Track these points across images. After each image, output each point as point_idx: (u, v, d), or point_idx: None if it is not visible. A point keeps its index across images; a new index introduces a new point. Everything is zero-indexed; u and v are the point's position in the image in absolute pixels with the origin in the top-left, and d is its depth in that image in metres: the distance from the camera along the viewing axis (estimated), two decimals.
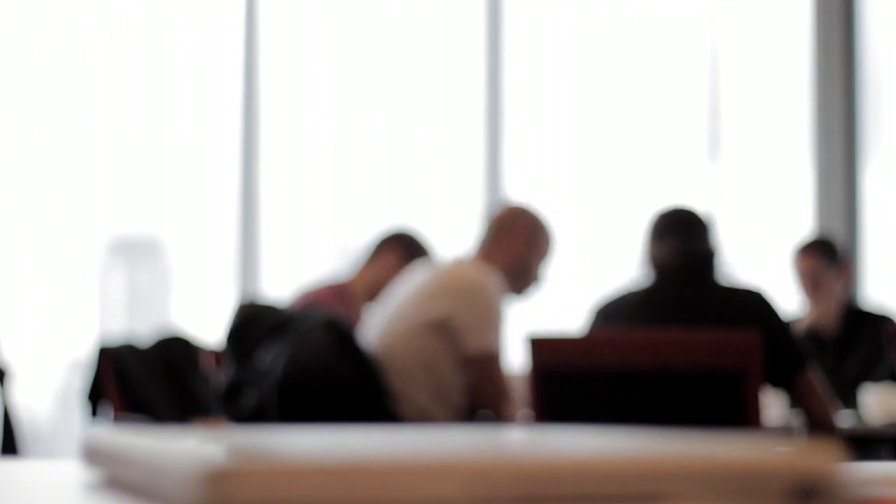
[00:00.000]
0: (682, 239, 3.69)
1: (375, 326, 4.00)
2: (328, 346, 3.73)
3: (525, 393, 3.68)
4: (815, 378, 3.65)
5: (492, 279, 3.90)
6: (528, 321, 5.80)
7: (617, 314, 3.68)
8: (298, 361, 3.68)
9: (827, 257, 5.26)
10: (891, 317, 5.17)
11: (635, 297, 3.68)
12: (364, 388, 3.79)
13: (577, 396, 3.32)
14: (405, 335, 3.89)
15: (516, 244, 4.06)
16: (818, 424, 3.68)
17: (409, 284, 4.01)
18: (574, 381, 3.31)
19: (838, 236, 6.26)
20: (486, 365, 3.87)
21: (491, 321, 3.87)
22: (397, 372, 3.88)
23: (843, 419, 4.59)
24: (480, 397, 3.92)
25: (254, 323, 3.81)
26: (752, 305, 3.57)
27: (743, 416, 3.20)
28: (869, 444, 4.61)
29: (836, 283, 5.25)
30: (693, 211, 3.79)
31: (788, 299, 5.66)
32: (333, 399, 3.71)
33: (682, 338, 3.29)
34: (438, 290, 3.90)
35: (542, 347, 3.33)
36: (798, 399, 3.67)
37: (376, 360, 3.88)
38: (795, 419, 3.93)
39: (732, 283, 3.68)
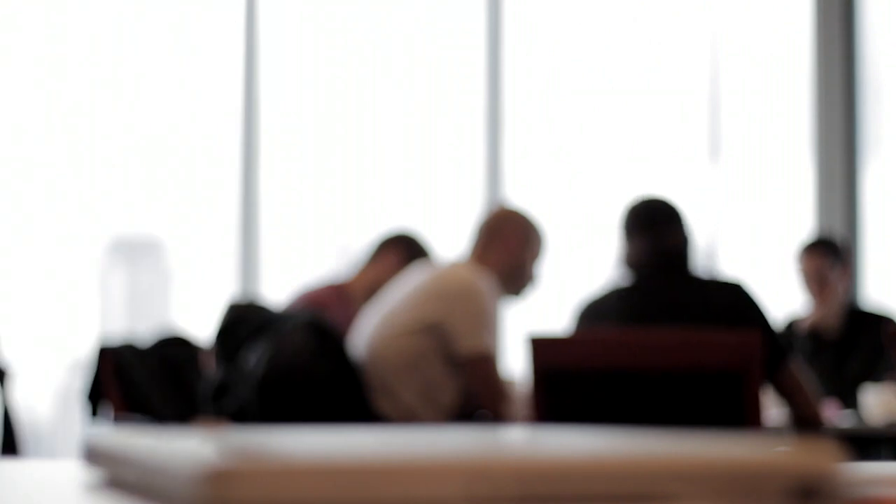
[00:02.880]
0: (649, 236, 3.69)
1: (368, 326, 4.01)
2: (308, 346, 3.74)
3: (525, 393, 3.69)
4: (799, 371, 3.63)
5: (486, 281, 3.91)
6: (531, 322, 5.80)
7: (599, 315, 3.69)
8: (279, 361, 3.70)
9: (831, 257, 5.27)
10: (891, 317, 5.17)
11: (614, 297, 3.68)
12: (343, 387, 3.80)
13: (577, 396, 3.32)
14: (396, 335, 3.90)
15: (509, 245, 4.07)
16: (804, 419, 3.66)
17: (403, 286, 4.02)
18: (574, 381, 3.31)
19: (838, 236, 6.26)
20: (481, 366, 3.87)
21: (485, 323, 3.87)
22: (385, 371, 3.89)
23: (843, 419, 4.59)
24: (478, 398, 3.93)
25: (241, 323, 3.82)
26: (733, 299, 3.56)
27: (743, 416, 3.20)
28: (869, 444, 4.61)
29: (840, 282, 5.25)
30: (658, 204, 3.77)
31: (790, 299, 5.66)
32: (313, 398, 3.72)
33: (683, 338, 3.29)
34: (432, 292, 3.90)
35: (542, 347, 3.33)
36: (782, 393, 3.65)
37: (358, 359, 3.90)
38: (781, 415, 3.92)
39: (712, 276, 3.68)
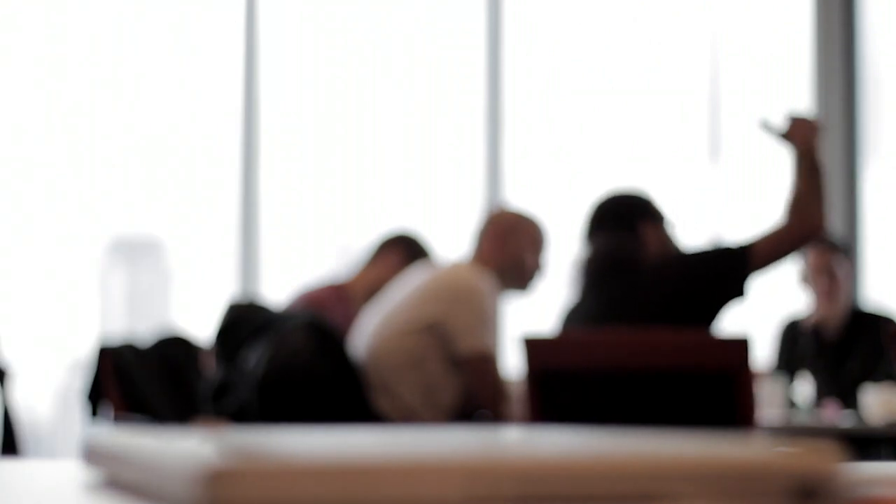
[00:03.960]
0: (593, 237, 3.74)
1: (369, 326, 4.01)
2: (308, 346, 3.74)
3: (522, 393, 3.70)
4: (762, 234, 3.66)
5: (486, 281, 3.91)
6: (530, 322, 5.80)
7: (574, 318, 3.73)
8: (278, 361, 3.70)
9: (840, 254, 5.27)
10: (891, 317, 5.17)
11: (581, 300, 3.74)
12: (343, 387, 3.81)
13: (571, 397, 3.32)
14: (396, 335, 3.90)
15: (508, 243, 4.08)
16: (797, 226, 3.68)
17: (404, 286, 4.02)
18: (568, 381, 3.32)
19: (838, 236, 6.26)
20: (481, 366, 3.88)
21: (484, 323, 3.88)
22: (385, 371, 3.89)
23: (843, 419, 4.59)
24: (478, 398, 3.93)
25: (241, 323, 3.82)
26: (679, 265, 3.61)
27: (737, 416, 3.20)
28: (869, 444, 4.61)
29: (846, 281, 5.26)
30: (605, 203, 3.81)
31: (790, 299, 5.66)
32: (313, 398, 3.73)
33: (676, 338, 3.30)
34: (432, 292, 3.91)
35: (536, 348, 3.33)
36: (780, 250, 3.66)
37: (358, 359, 3.90)
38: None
39: (659, 262, 3.69)
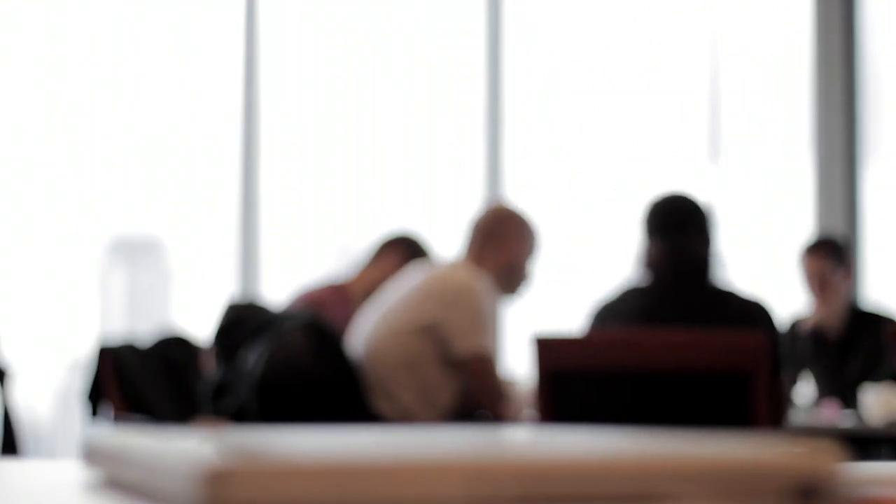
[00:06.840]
0: (673, 238, 3.68)
1: (366, 326, 4.01)
2: (307, 346, 3.74)
3: (530, 394, 3.69)
4: (782, 381, 3.73)
5: (483, 282, 3.91)
6: (531, 322, 5.80)
7: (615, 315, 3.68)
8: (277, 362, 3.70)
9: (835, 257, 5.27)
10: (891, 317, 5.17)
11: (632, 297, 3.68)
12: (342, 388, 3.81)
13: (583, 397, 3.31)
14: (392, 336, 3.90)
15: (506, 245, 4.06)
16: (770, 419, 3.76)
17: (401, 286, 4.02)
18: (580, 381, 3.31)
19: (839, 236, 6.26)
20: (479, 367, 3.87)
21: (482, 324, 3.87)
22: (383, 371, 3.89)
23: (843, 419, 4.59)
24: (477, 399, 3.93)
25: (241, 323, 3.82)
26: (750, 316, 3.58)
27: (750, 417, 3.20)
28: (869, 444, 4.61)
29: (843, 283, 5.25)
30: (684, 205, 3.76)
31: (790, 299, 5.66)
32: (312, 399, 3.73)
33: (690, 338, 3.29)
34: (428, 294, 3.90)
35: (548, 348, 3.32)
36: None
37: (357, 360, 3.90)
38: None
39: (733, 288, 3.68)
